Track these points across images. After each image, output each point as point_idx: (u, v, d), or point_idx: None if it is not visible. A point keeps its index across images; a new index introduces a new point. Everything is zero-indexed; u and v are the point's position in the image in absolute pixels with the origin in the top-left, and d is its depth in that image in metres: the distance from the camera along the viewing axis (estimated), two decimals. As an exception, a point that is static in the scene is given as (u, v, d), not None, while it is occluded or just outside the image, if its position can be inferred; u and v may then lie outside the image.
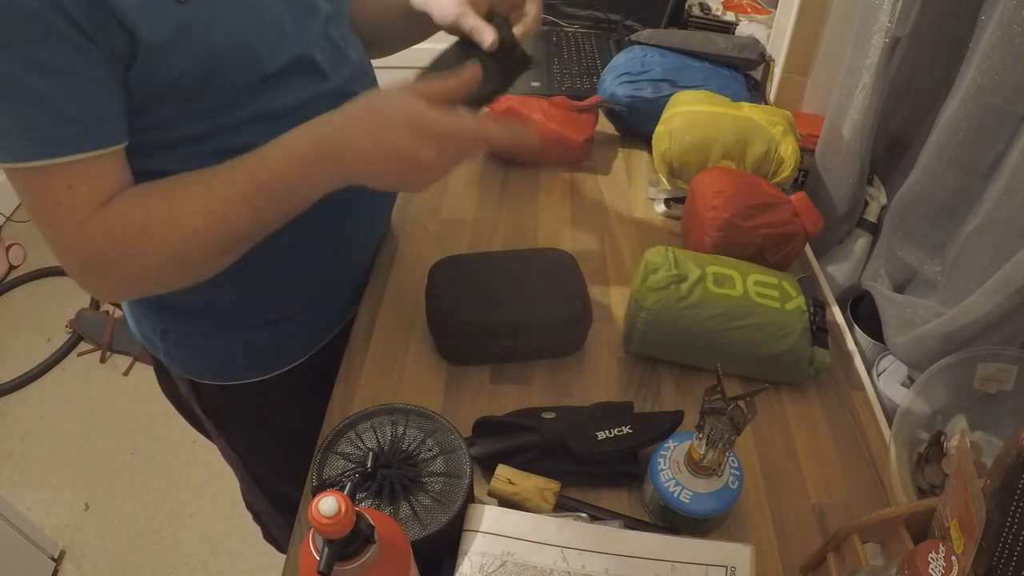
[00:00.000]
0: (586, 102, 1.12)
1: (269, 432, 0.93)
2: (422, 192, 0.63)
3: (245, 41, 0.59)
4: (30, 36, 0.49)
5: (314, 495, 0.50)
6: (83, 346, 2.08)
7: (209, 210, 0.58)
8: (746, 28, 1.35)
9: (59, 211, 0.55)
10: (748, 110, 0.99)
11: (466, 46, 0.75)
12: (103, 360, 2.05)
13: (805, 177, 1.07)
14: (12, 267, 2.31)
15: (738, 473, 0.63)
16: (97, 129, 0.54)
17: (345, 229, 0.80)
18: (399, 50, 0.89)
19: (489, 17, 0.73)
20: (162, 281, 0.64)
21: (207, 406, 0.90)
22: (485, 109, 0.65)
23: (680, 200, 1.00)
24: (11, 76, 0.50)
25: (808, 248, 0.98)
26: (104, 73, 0.53)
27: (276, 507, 1.09)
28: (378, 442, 0.60)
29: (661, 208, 1.03)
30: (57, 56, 0.51)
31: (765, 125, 0.96)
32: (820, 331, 0.77)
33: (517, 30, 0.75)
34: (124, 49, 0.53)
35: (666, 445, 0.65)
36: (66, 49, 0.51)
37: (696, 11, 1.42)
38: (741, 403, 0.58)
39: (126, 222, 0.56)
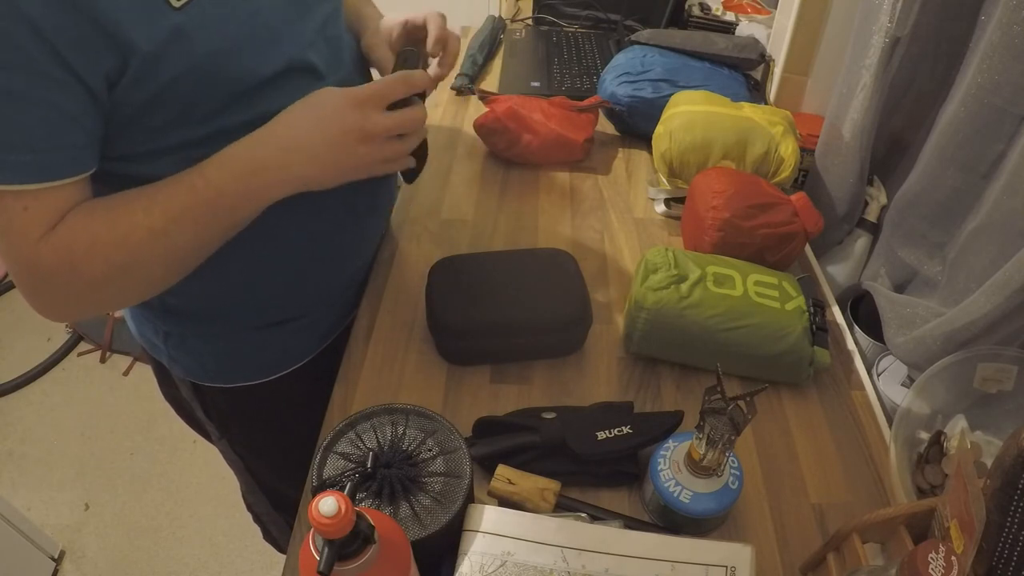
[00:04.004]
0: (586, 102, 1.12)
1: (272, 434, 0.93)
2: (378, 174, 0.67)
3: (240, 46, 0.59)
4: (1, 60, 0.48)
5: (314, 495, 0.50)
6: (83, 346, 2.09)
7: (152, 226, 0.58)
8: (746, 28, 1.35)
9: (12, 230, 0.54)
10: (748, 110, 0.99)
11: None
12: (103, 360, 2.05)
13: (805, 177, 1.07)
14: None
15: (738, 473, 0.63)
16: (57, 160, 0.54)
17: (348, 231, 0.80)
18: None
19: (404, 52, 0.72)
20: (109, 297, 0.64)
21: (209, 409, 0.90)
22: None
23: (680, 200, 1.00)
24: None
25: (808, 248, 0.98)
26: (74, 103, 0.52)
27: (277, 508, 1.09)
28: (378, 442, 0.60)
29: (661, 208, 1.03)
30: (24, 82, 0.50)
31: (765, 125, 0.96)
32: (820, 331, 0.77)
33: (433, 70, 0.78)
34: (111, 64, 0.53)
35: (666, 445, 0.65)
36: (35, 76, 0.50)
37: (696, 11, 1.42)
38: (741, 403, 0.58)
39: (73, 239, 0.56)
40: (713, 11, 1.43)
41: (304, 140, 0.61)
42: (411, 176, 0.78)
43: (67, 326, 2.09)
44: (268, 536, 1.26)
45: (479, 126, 1.09)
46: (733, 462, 0.63)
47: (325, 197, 0.73)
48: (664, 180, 1.01)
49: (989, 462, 0.58)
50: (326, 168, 0.63)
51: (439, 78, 0.79)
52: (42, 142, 0.52)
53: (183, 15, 0.54)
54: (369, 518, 0.46)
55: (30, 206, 0.54)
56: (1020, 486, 0.46)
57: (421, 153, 0.75)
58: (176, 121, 0.59)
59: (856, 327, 0.90)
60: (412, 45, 0.76)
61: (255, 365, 0.85)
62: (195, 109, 0.59)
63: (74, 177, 0.56)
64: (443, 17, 0.80)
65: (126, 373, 2.02)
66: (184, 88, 0.57)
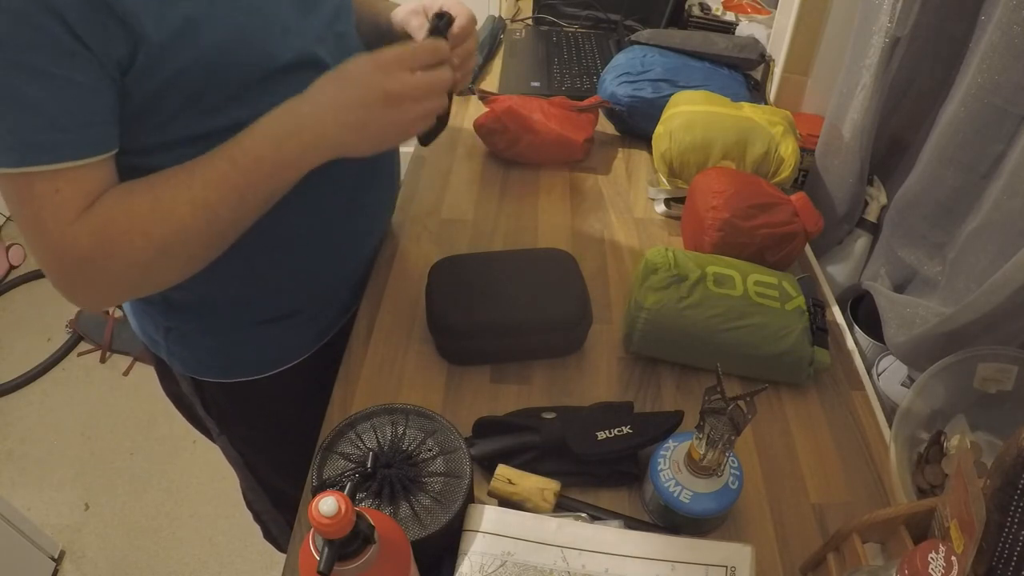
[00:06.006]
0: (586, 102, 1.12)
1: (271, 430, 0.93)
2: (406, 140, 0.66)
3: (248, 37, 0.59)
4: (20, 39, 0.49)
5: (314, 495, 0.50)
6: (83, 346, 2.08)
7: (193, 198, 0.58)
8: (746, 28, 1.35)
9: (43, 215, 0.54)
10: (748, 110, 0.99)
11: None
12: (103, 360, 2.05)
13: (805, 177, 1.07)
14: (12, 267, 2.31)
15: (738, 473, 0.63)
16: (85, 137, 0.54)
17: (348, 227, 0.80)
18: None
19: (440, 15, 0.68)
20: (147, 278, 0.63)
21: (209, 404, 0.90)
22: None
23: (680, 200, 1.00)
24: None
25: (808, 248, 0.98)
26: (96, 81, 0.53)
27: (277, 506, 1.10)
28: (378, 442, 0.60)
29: (661, 208, 1.03)
30: (48, 61, 0.50)
31: (765, 125, 0.96)
32: (820, 331, 0.77)
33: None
34: (123, 51, 0.53)
35: (666, 445, 0.65)
36: (58, 55, 0.50)
37: (696, 11, 1.42)
38: (741, 403, 0.58)
39: (111, 219, 0.56)
40: (713, 11, 1.43)
41: (332, 102, 0.61)
42: (427, 139, 0.75)
43: (67, 326, 2.09)
44: (268, 535, 1.27)
45: (479, 126, 1.09)
46: (733, 462, 0.63)
47: (326, 192, 0.72)
48: (664, 180, 1.01)
49: (989, 462, 0.58)
50: (355, 131, 0.62)
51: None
52: (69, 120, 0.52)
53: (192, 4, 0.55)
54: (369, 518, 0.46)
55: (61, 188, 0.54)
56: (1020, 486, 0.46)
57: (443, 115, 0.72)
58: (183, 113, 0.59)
59: (856, 327, 0.90)
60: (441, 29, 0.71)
61: (254, 360, 0.85)
62: (201, 101, 0.59)
63: (102, 155, 0.56)
64: (473, 20, 0.75)
65: (126, 373, 2.02)
66: (192, 79, 0.57)
